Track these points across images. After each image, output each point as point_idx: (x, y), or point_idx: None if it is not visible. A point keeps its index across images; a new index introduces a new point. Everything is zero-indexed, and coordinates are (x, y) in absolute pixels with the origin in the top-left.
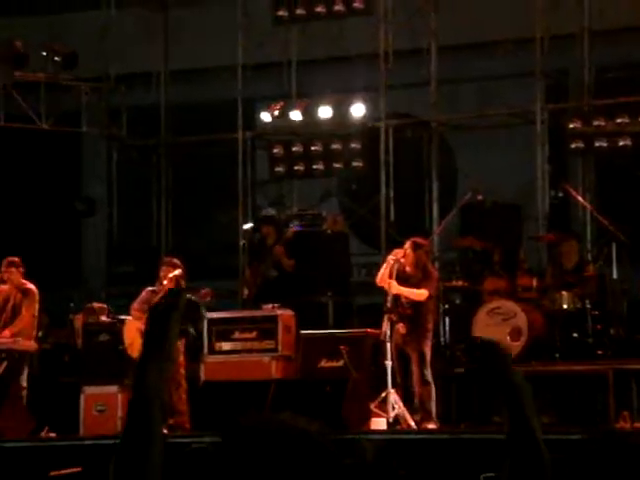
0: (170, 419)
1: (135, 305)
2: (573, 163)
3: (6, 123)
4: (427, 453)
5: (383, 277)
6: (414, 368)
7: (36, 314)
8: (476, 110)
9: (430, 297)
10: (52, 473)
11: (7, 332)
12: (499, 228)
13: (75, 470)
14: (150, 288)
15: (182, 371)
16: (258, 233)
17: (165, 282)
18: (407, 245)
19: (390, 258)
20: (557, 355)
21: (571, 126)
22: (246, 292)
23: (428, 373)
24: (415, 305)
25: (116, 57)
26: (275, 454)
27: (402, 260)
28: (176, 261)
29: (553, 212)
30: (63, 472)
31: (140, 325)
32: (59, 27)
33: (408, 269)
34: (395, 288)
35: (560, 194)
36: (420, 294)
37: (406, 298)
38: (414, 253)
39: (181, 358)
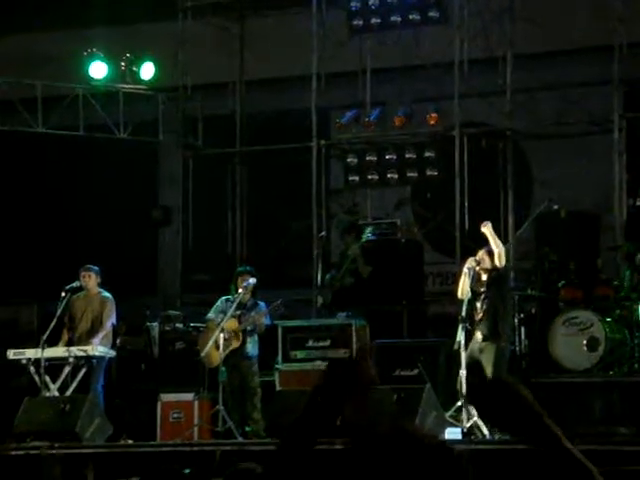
0: (246, 427)
1: (210, 315)
2: None
3: (85, 132)
4: (502, 464)
5: (463, 289)
6: (488, 375)
7: (115, 322)
8: (552, 119)
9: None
10: None
11: (96, 340)
12: (575, 238)
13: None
14: (225, 297)
15: (257, 379)
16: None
17: (240, 290)
18: (482, 252)
19: (466, 267)
20: (636, 365)
21: None
22: (320, 300)
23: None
24: (489, 308)
25: (193, 67)
26: (405, 462)
27: (477, 268)
28: (250, 270)
29: (631, 221)
30: None
31: (214, 335)
32: (137, 37)
33: (484, 276)
34: (489, 230)
35: (638, 203)
36: (500, 249)
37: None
38: (490, 259)
39: (255, 366)
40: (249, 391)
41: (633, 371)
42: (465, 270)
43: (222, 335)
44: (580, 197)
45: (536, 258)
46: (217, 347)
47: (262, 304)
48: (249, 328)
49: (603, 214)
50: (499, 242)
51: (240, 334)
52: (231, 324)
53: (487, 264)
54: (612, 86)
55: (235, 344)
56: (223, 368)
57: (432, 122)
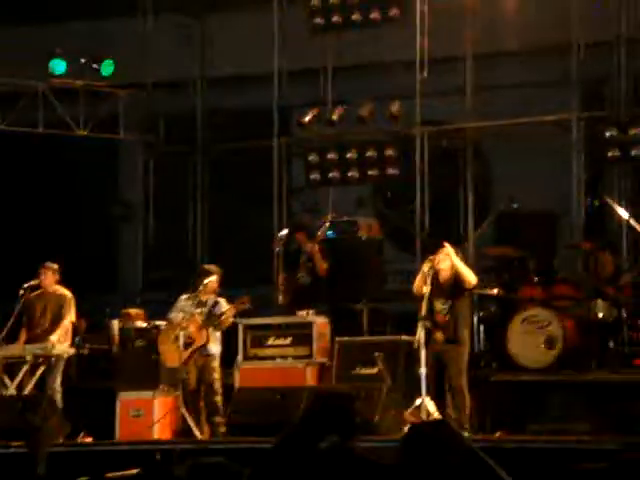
0: (205, 426)
1: (171, 315)
2: (609, 171)
3: (45, 129)
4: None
5: (419, 286)
6: (450, 377)
7: (74, 319)
8: (511, 118)
9: (474, 287)
10: (109, 475)
11: (54, 338)
12: (534, 237)
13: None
14: (185, 296)
15: (217, 377)
16: (294, 240)
17: (200, 288)
18: (443, 252)
19: (425, 266)
20: (592, 364)
21: (607, 134)
22: (281, 298)
23: (463, 382)
24: (451, 312)
25: (153, 64)
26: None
27: (438, 267)
28: (213, 268)
29: (589, 221)
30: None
31: (173, 334)
32: (97, 34)
33: (444, 276)
34: (454, 259)
35: (596, 203)
36: (471, 279)
37: (459, 272)
38: (450, 260)
39: (216, 364)
40: (210, 388)
41: (590, 370)
42: (424, 269)
43: (182, 334)
44: (539, 196)
45: (495, 257)
46: (178, 346)
47: (222, 301)
48: (214, 325)
49: (561, 213)
50: (467, 271)
51: (204, 332)
52: (193, 322)
53: (447, 264)
54: (570, 86)
55: (199, 342)
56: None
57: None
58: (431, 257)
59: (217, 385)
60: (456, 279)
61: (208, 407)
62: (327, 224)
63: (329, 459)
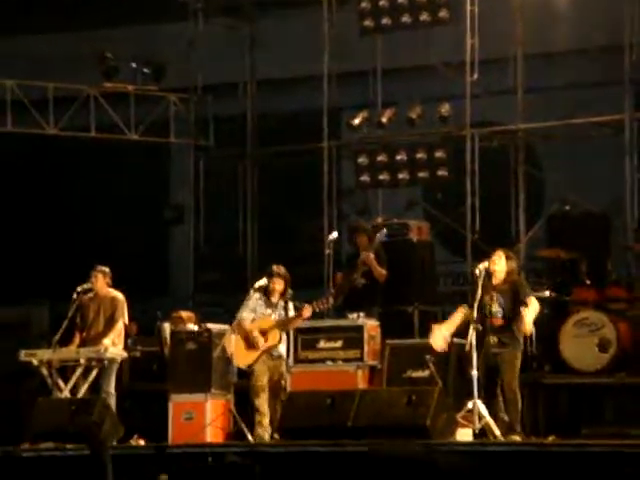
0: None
1: (243, 314)
2: None
3: (97, 133)
4: (513, 465)
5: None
6: (503, 380)
7: (126, 322)
8: (563, 119)
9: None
10: None
11: (107, 341)
12: (587, 238)
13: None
14: (257, 295)
15: (283, 382)
16: (353, 243)
17: (272, 286)
18: (498, 254)
19: (477, 269)
20: None
21: None
22: (331, 300)
23: (516, 385)
24: (505, 315)
25: (204, 68)
26: None
27: (492, 268)
28: (283, 270)
29: None
30: None
31: (244, 334)
32: (148, 39)
33: (498, 278)
34: (527, 326)
35: None
36: (535, 307)
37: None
38: (506, 262)
39: (284, 368)
40: (276, 392)
41: None
42: (476, 272)
43: (255, 334)
44: (592, 198)
45: (547, 259)
46: (250, 346)
47: (291, 304)
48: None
49: (614, 215)
50: (530, 309)
51: (276, 333)
52: (266, 323)
53: (502, 266)
54: (623, 86)
55: (271, 343)
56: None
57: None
58: (487, 261)
59: (283, 388)
60: (512, 281)
61: (271, 411)
62: (383, 232)
63: None
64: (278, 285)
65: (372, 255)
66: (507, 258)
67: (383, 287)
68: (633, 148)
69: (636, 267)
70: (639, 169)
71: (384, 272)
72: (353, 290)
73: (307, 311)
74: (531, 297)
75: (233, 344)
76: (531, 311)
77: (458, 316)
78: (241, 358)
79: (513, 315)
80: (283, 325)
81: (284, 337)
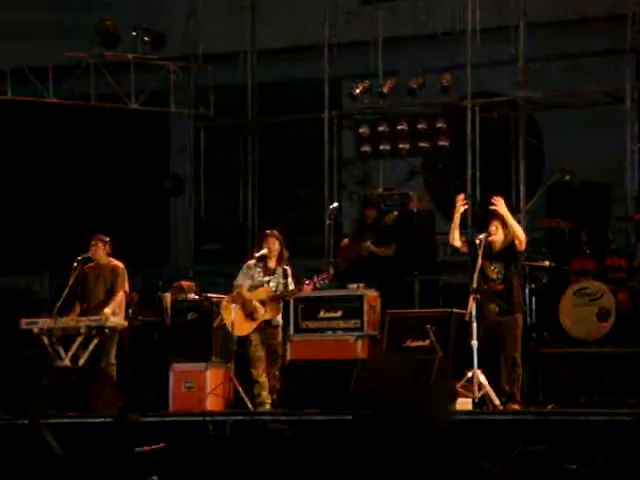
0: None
1: (238, 281)
2: None
3: (97, 102)
4: (512, 434)
5: (453, 235)
6: (504, 349)
7: (127, 291)
8: (564, 88)
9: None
10: (137, 450)
11: (107, 311)
12: (587, 208)
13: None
14: (252, 261)
15: (280, 350)
16: (362, 214)
17: (264, 251)
18: (496, 223)
19: (458, 212)
20: None
21: None
22: (332, 271)
23: (517, 355)
24: (506, 280)
25: (204, 37)
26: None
27: (490, 238)
28: (276, 233)
29: None
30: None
31: (241, 302)
32: (147, 7)
33: (498, 246)
34: (502, 208)
35: None
36: (522, 237)
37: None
38: (504, 230)
39: (280, 336)
40: (274, 360)
41: None
42: (477, 242)
43: (254, 303)
44: (592, 168)
45: (547, 229)
46: (248, 315)
47: (288, 269)
48: (285, 297)
49: (614, 184)
50: (517, 227)
51: (275, 303)
52: (265, 292)
53: (501, 235)
54: (624, 55)
55: (269, 314)
56: (235, 337)
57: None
58: (461, 196)
59: (280, 357)
60: (509, 243)
61: (271, 379)
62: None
63: None
64: (272, 244)
65: (372, 246)
66: (504, 227)
67: (383, 256)
68: (633, 117)
69: (636, 237)
70: (639, 138)
71: (390, 251)
72: (356, 259)
73: (307, 288)
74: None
75: (233, 313)
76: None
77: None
78: (240, 327)
79: (512, 281)
80: (282, 296)
81: (279, 307)
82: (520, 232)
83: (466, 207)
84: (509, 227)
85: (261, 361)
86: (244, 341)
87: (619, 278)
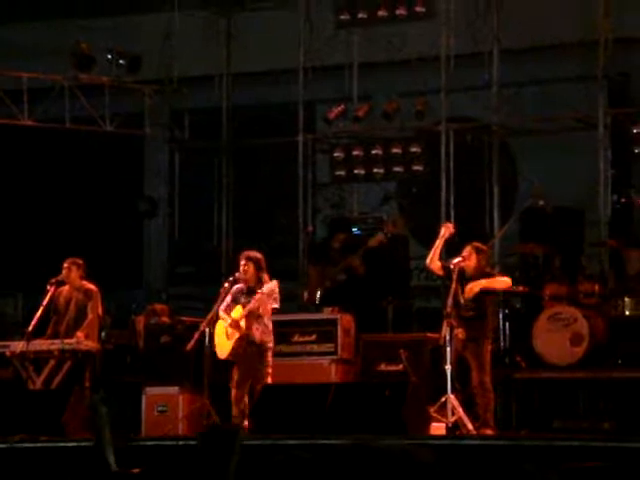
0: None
1: (219, 306)
2: (636, 167)
3: (71, 125)
4: (486, 459)
5: (433, 259)
6: (473, 374)
7: (100, 314)
8: (538, 114)
9: (509, 287)
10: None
11: (80, 334)
12: (560, 233)
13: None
14: (227, 285)
15: (264, 370)
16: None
17: (238, 274)
18: (469, 249)
19: (443, 235)
20: (619, 361)
21: (635, 130)
22: (306, 295)
23: (488, 379)
24: (477, 307)
25: (179, 60)
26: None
27: (463, 264)
28: (252, 254)
29: (616, 217)
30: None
31: (225, 325)
32: (123, 30)
33: (470, 273)
34: (477, 285)
35: (623, 199)
36: (503, 281)
37: (489, 288)
38: (477, 257)
39: (265, 354)
40: (256, 380)
41: (616, 367)
42: (450, 267)
43: (229, 324)
44: (565, 193)
45: (521, 254)
46: (228, 337)
47: (267, 285)
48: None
49: (588, 210)
50: (495, 279)
51: (243, 321)
52: (237, 312)
53: (473, 261)
54: (597, 82)
55: (237, 333)
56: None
57: (420, 108)
58: (449, 224)
59: (264, 379)
60: (483, 272)
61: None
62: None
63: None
64: (245, 267)
65: (358, 262)
66: (477, 253)
67: (357, 281)
68: (606, 143)
69: (609, 262)
70: (612, 164)
71: (362, 269)
72: (333, 285)
73: (257, 295)
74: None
75: (217, 337)
76: (493, 281)
77: (439, 240)
78: (221, 349)
79: (483, 308)
80: (249, 313)
81: (266, 322)
82: (501, 283)
83: (452, 234)
84: (488, 289)
85: (237, 385)
86: (219, 366)
87: (592, 303)
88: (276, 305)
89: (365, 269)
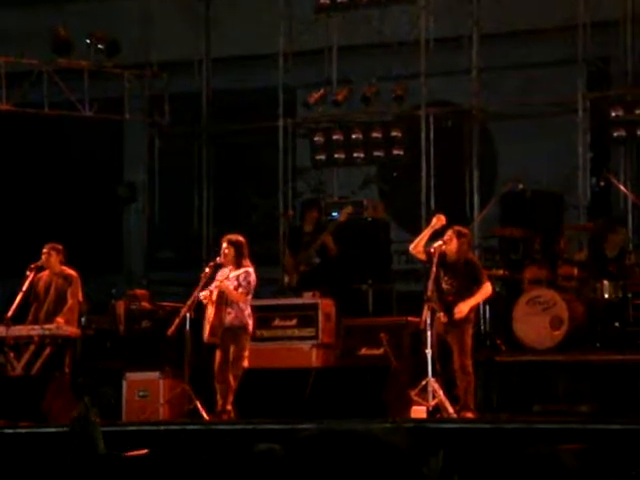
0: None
1: (200, 291)
2: (615, 151)
3: (50, 110)
4: (467, 442)
5: (418, 245)
6: (455, 358)
7: (80, 299)
8: (517, 98)
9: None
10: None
11: (60, 320)
12: (540, 217)
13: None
14: (208, 270)
15: (238, 353)
16: (306, 220)
17: (222, 258)
18: (450, 233)
19: (432, 247)
20: (598, 344)
21: (613, 114)
22: (287, 279)
23: (469, 363)
24: (457, 292)
25: (158, 44)
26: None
27: (444, 247)
28: (233, 237)
29: (594, 200)
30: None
31: (211, 309)
32: (102, 14)
33: (451, 257)
34: (465, 306)
35: (602, 183)
36: (485, 292)
37: (476, 305)
38: (458, 241)
39: (239, 338)
40: (234, 363)
41: (595, 350)
42: (431, 251)
43: (209, 307)
44: (545, 176)
45: (500, 237)
46: (209, 321)
47: (235, 272)
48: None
49: (567, 193)
50: (480, 293)
51: (215, 304)
52: (211, 294)
53: (454, 245)
54: (576, 66)
55: (212, 315)
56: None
57: (400, 92)
58: (439, 216)
59: (238, 362)
60: (465, 259)
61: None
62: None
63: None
64: (226, 250)
65: (330, 237)
66: (458, 237)
67: (337, 265)
68: (586, 127)
69: (588, 245)
70: (591, 148)
71: (335, 249)
72: (308, 269)
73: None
74: (487, 284)
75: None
76: (478, 296)
77: (428, 229)
78: (204, 332)
79: (464, 293)
80: (219, 290)
81: (241, 306)
82: (487, 295)
83: (443, 225)
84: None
85: (218, 369)
86: (201, 349)
87: (571, 287)
88: (243, 291)
89: (338, 249)
